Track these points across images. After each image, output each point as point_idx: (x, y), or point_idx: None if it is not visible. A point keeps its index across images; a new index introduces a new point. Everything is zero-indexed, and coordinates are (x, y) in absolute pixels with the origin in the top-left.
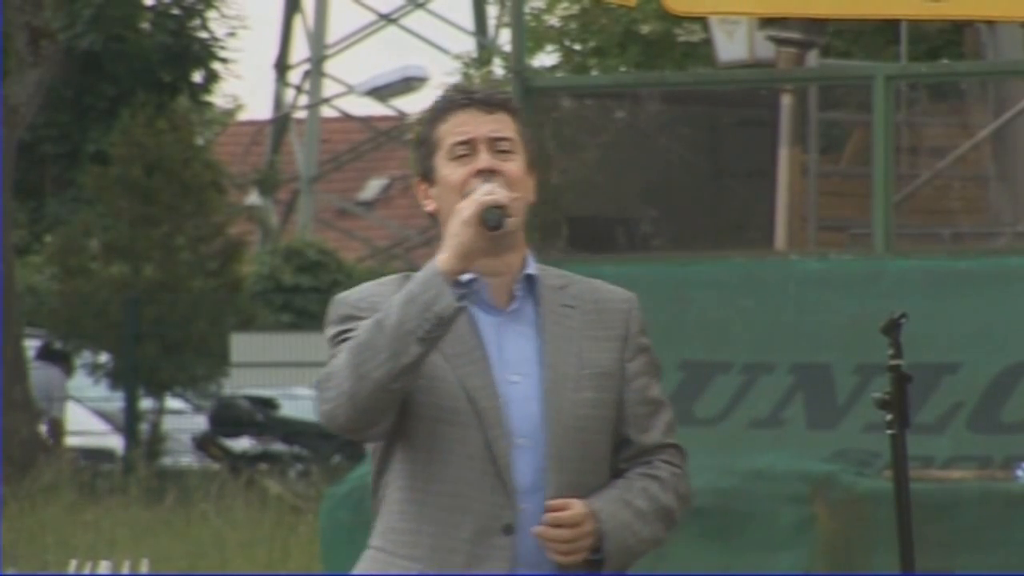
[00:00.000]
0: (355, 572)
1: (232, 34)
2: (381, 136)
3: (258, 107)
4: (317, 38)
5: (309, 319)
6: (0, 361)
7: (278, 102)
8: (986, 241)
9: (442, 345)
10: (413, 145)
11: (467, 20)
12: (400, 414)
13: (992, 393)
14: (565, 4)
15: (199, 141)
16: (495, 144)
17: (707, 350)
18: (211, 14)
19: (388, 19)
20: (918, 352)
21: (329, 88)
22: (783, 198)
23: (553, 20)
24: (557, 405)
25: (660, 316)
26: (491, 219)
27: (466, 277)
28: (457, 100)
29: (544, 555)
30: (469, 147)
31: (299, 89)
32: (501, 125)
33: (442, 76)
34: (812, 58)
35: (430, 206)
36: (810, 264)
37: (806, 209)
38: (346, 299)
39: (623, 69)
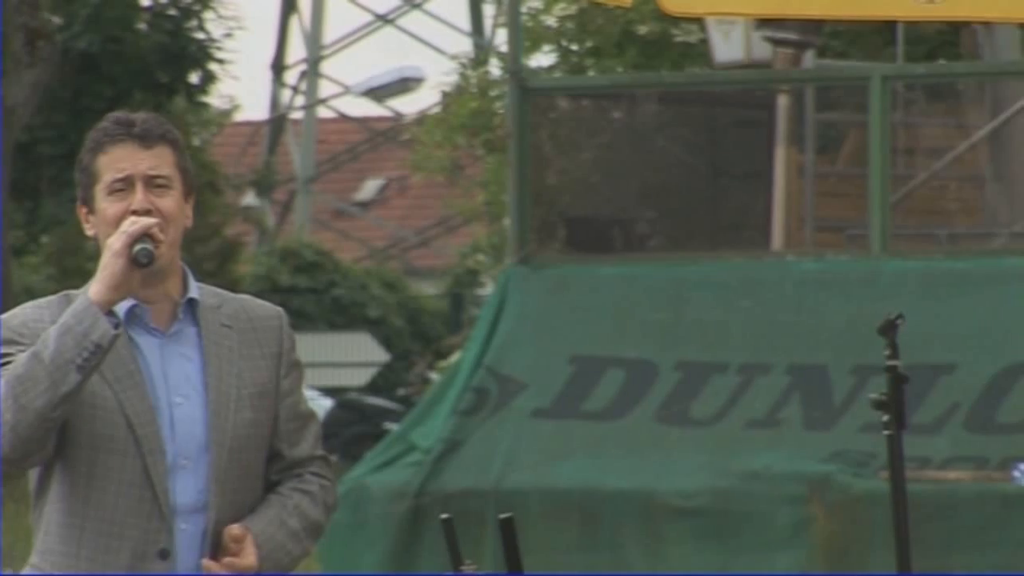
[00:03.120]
0: None
1: (229, 35)
2: (378, 137)
3: (255, 108)
4: (313, 39)
5: (306, 320)
6: None
7: (275, 103)
8: (983, 242)
9: (104, 369)
10: (77, 170)
11: (464, 21)
12: (59, 441)
13: (989, 394)
14: (562, 4)
15: (196, 142)
16: (151, 181)
17: (704, 351)
18: (208, 15)
19: (384, 20)
20: (915, 353)
21: (325, 89)
22: (780, 199)
23: (550, 20)
24: (220, 426)
25: (657, 317)
26: (141, 257)
27: (126, 304)
28: (115, 133)
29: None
30: (126, 183)
31: (296, 90)
32: (159, 161)
33: (438, 76)
34: (808, 59)
35: (90, 231)
36: (807, 265)
37: (803, 210)
38: (7, 323)
39: (620, 70)
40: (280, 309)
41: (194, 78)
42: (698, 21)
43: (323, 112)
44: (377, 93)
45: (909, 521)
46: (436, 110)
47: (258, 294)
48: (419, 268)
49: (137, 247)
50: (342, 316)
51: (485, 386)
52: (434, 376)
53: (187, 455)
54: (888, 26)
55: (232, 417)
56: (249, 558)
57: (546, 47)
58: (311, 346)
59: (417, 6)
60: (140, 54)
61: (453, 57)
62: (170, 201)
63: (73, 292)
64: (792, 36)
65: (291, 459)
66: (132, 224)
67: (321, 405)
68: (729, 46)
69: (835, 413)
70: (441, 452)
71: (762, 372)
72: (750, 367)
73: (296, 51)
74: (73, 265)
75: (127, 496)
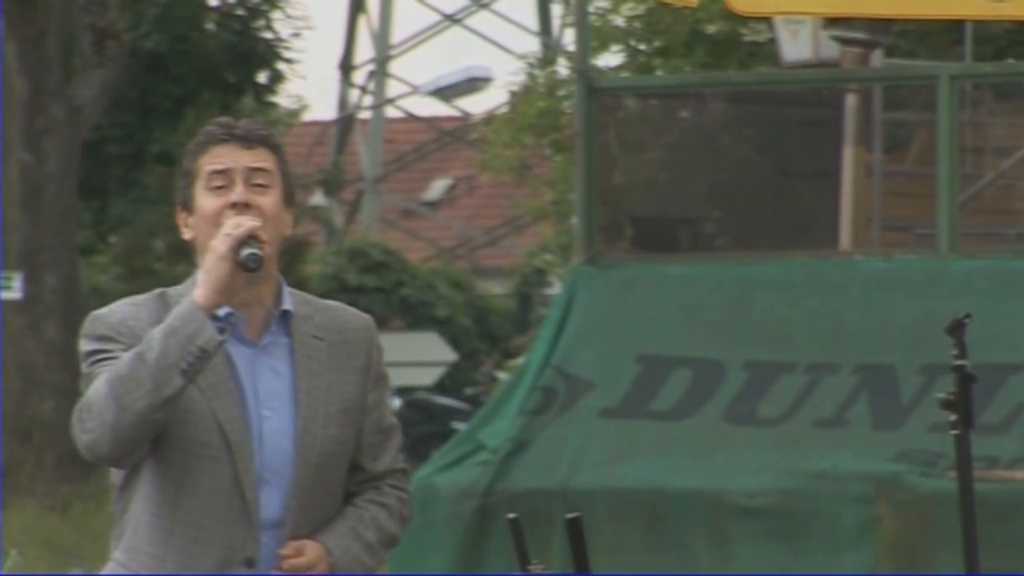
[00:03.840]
0: None
1: (297, 35)
2: (445, 136)
3: (323, 108)
4: (381, 38)
5: (374, 320)
6: None
7: (342, 103)
8: None
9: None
10: (179, 175)
11: (531, 20)
12: (152, 441)
13: None
14: (630, 4)
15: None
16: (251, 176)
17: (771, 350)
18: (276, 15)
19: (452, 19)
20: (983, 352)
21: (393, 88)
22: (847, 198)
23: (618, 20)
24: (307, 443)
25: (724, 316)
26: (250, 262)
27: (223, 311)
28: (217, 134)
29: None
30: (225, 178)
31: (363, 89)
32: (259, 158)
33: (506, 76)
34: (877, 58)
35: (188, 234)
36: (874, 264)
37: (870, 209)
38: (104, 319)
39: (688, 69)
40: (370, 319)
41: (262, 78)
42: (766, 20)
43: (391, 112)
44: (445, 93)
45: (977, 521)
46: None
47: (326, 294)
48: (487, 267)
49: (245, 252)
50: (410, 316)
51: (552, 386)
52: (502, 375)
53: (272, 469)
54: (956, 25)
55: (319, 433)
56: (310, 551)
57: (614, 47)
58: None
59: (485, 6)
60: (208, 54)
61: (521, 57)
62: (269, 200)
63: (169, 290)
64: (860, 35)
65: (371, 472)
66: (236, 227)
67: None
68: (797, 45)
69: (903, 413)
70: (508, 452)
71: (829, 372)
72: (817, 367)
73: (364, 51)
74: (141, 264)
75: (216, 503)
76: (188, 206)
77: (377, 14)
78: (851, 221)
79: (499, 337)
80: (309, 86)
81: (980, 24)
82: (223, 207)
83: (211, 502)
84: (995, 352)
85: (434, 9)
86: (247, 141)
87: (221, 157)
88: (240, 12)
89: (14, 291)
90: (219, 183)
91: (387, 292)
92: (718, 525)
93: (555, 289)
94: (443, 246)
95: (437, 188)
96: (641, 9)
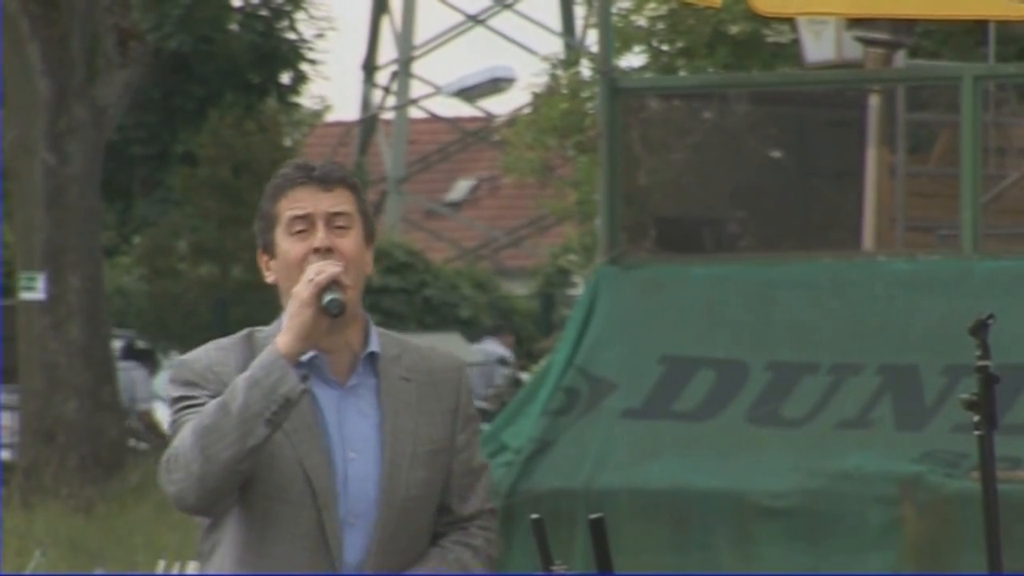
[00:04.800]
0: None
1: (320, 35)
2: (469, 137)
3: (346, 108)
4: (404, 39)
5: (397, 320)
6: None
7: (366, 103)
8: None
9: None
10: (258, 219)
11: (555, 21)
12: (239, 489)
13: None
14: (653, 5)
15: (287, 142)
16: (332, 220)
17: (795, 351)
18: (299, 15)
19: (475, 20)
20: (1006, 353)
21: (416, 89)
22: (871, 199)
23: (641, 21)
24: (392, 487)
25: (747, 317)
26: (332, 307)
27: (307, 355)
28: (295, 177)
29: None
30: (307, 222)
31: (387, 90)
32: (339, 200)
33: (529, 77)
34: (900, 59)
35: (270, 278)
36: (898, 265)
37: (894, 210)
38: (190, 364)
39: (711, 70)
40: (460, 359)
41: (285, 78)
42: (789, 21)
43: (414, 112)
44: (468, 93)
45: (1000, 522)
46: (527, 111)
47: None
48: (510, 268)
49: (327, 297)
50: (433, 316)
51: (576, 386)
52: (525, 376)
53: (357, 513)
54: (979, 26)
55: (405, 476)
56: None
57: (637, 47)
58: None
59: (508, 6)
60: (231, 54)
61: (544, 58)
62: (351, 242)
63: (256, 331)
64: (883, 36)
65: (459, 515)
66: (318, 273)
67: None
68: (820, 46)
69: (926, 413)
70: (532, 452)
71: (853, 372)
72: (841, 367)
73: (387, 51)
74: (164, 265)
75: (301, 548)
76: (269, 250)
77: (400, 15)
78: (874, 222)
79: (523, 338)
80: (332, 87)
81: (1003, 24)
82: (306, 253)
83: (295, 547)
84: (1019, 353)
85: (457, 10)
86: (325, 183)
87: (301, 201)
88: (264, 13)
89: (37, 292)
90: (300, 227)
91: (410, 293)
92: (741, 526)
93: (578, 290)
94: (466, 247)
95: (460, 189)
96: (664, 10)
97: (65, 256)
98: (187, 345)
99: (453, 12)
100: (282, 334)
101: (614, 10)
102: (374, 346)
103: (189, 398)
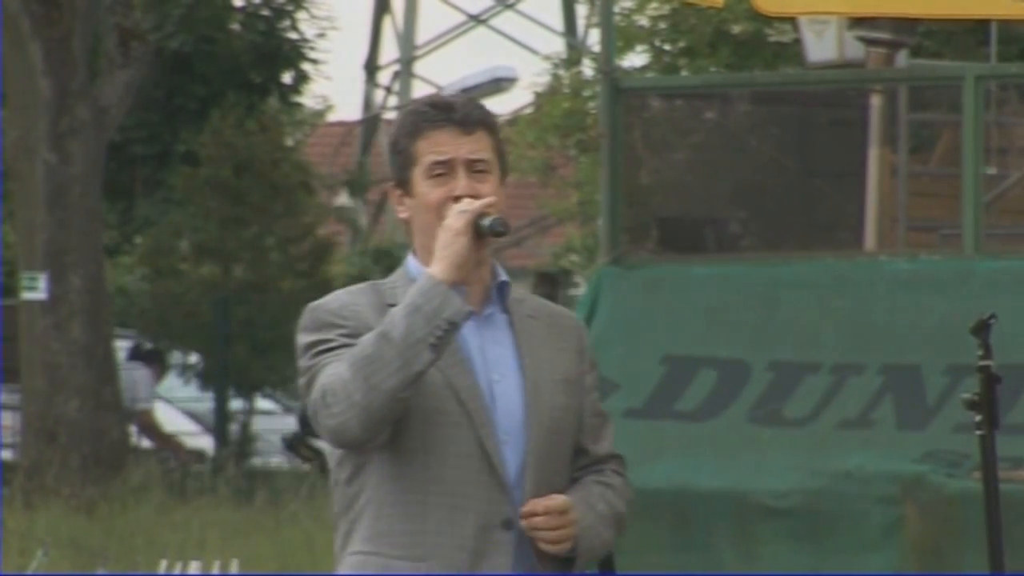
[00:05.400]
0: None
1: (322, 35)
2: None
3: (348, 108)
4: (406, 39)
5: None
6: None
7: (367, 103)
8: None
9: None
10: (392, 151)
11: (556, 21)
12: None
13: None
14: (655, 4)
15: (289, 142)
16: (472, 166)
17: (797, 351)
18: (301, 15)
19: (477, 20)
20: (1008, 353)
21: (418, 89)
22: (873, 199)
23: (643, 20)
24: (537, 405)
25: (749, 317)
26: (496, 226)
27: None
28: (436, 118)
29: (527, 549)
30: (447, 167)
31: (388, 90)
32: (479, 146)
33: (531, 77)
34: (902, 58)
35: (403, 214)
36: (900, 265)
37: (896, 210)
38: (325, 307)
39: (713, 70)
40: (576, 315)
41: (287, 78)
42: (791, 21)
43: None
44: (470, 93)
45: (1002, 521)
46: (529, 110)
47: None
48: (512, 268)
49: (488, 220)
50: None
51: None
52: None
53: (508, 431)
54: (982, 26)
55: (548, 399)
56: (559, 497)
57: (639, 47)
58: None
59: (510, 6)
60: (233, 54)
61: (546, 57)
62: (490, 187)
63: (379, 283)
64: (885, 36)
65: (593, 455)
66: (469, 203)
67: None
68: (822, 46)
69: (928, 413)
70: None
71: (855, 372)
72: (843, 367)
73: (389, 51)
74: (166, 265)
75: (466, 468)
76: (404, 187)
77: (402, 14)
78: (876, 222)
79: None
80: (334, 86)
81: (1006, 24)
82: (445, 198)
83: (460, 468)
84: (1020, 353)
85: (459, 9)
86: (466, 125)
87: (441, 145)
88: (265, 12)
89: (39, 292)
90: (440, 171)
91: None
92: (743, 525)
93: (580, 290)
94: None
95: None
96: (666, 9)
97: (67, 256)
98: (189, 345)
99: (455, 12)
100: (435, 264)
101: (616, 10)
102: (503, 276)
103: (325, 341)
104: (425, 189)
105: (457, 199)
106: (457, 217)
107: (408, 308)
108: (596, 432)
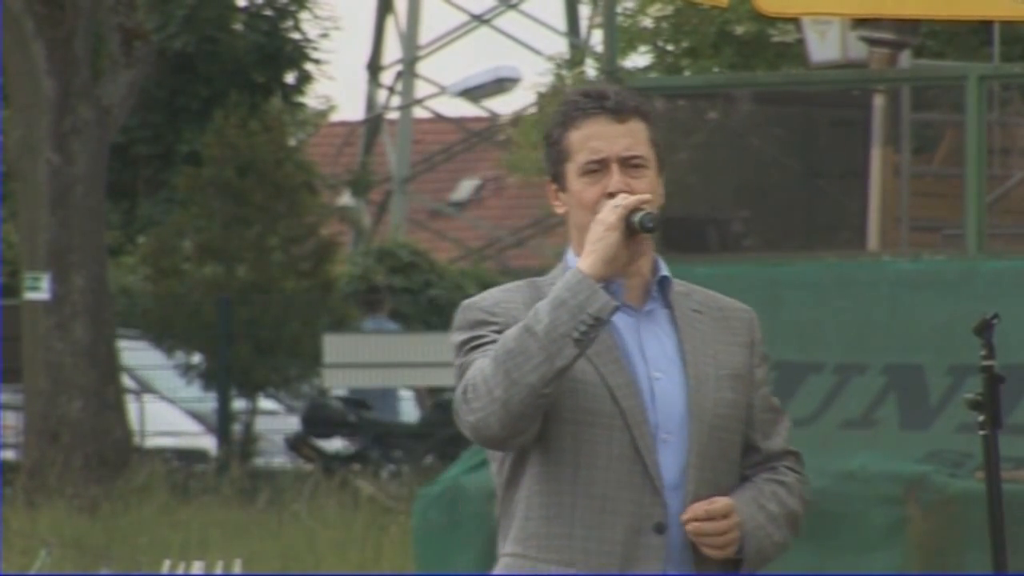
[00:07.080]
0: None
1: (325, 35)
2: (473, 137)
3: (351, 108)
4: (409, 39)
5: (402, 320)
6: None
7: (370, 103)
8: None
9: None
10: (546, 143)
11: (559, 21)
12: (542, 421)
13: None
14: (658, 5)
15: (292, 142)
16: (627, 161)
17: (799, 351)
18: (304, 15)
19: (480, 20)
20: (1011, 353)
21: (421, 89)
22: (875, 199)
23: (646, 21)
24: (700, 403)
25: None
26: (647, 221)
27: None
28: (589, 107)
29: (688, 553)
30: (601, 164)
31: (391, 90)
32: (633, 140)
33: (534, 77)
34: (905, 59)
35: (560, 208)
36: (903, 265)
37: (899, 210)
38: (478, 304)
39: (716, 70)
40: (749, 307)
41: (290, 78)
42: (794, 21)
43: (419, 112)
44: (473, 93)
45: (1005, 521)
46: (532, 111)
47: (354, 294)
48: (515, 268)
49: (639, 215)
50: (438, 316)
51: None
52: None
53: (668, 429)
54: (984, 26)
55: (712, 395)
56: (723, 500)
57: (642, 47)
58: (407, 346)
59: (513, 6)
60: (236, 54)
61: (549, 58)
62: (646, 183)
63: (538, 279)
64: (888, 36)
65: (766, 452)
66: (623, 198)
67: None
68: (825, 46)
69: (931, 413)
70: None
71: (858, 372)
72: (845, 367)
73: (392, 51)
74: (169, 265)
75: (617, 470)
76: (559, 181)
77: (405, 14)
78: (879, 222)
79: None
80: (337, 87)
81: (1008, 25)
82: (600, 196)
83: (612, 470)
84: (1023, 353)
85: (462, 9)
86: (619, 114)
87: (594, 139)
88: (268, 12)
89: (42, 292)
90: (594, 168)
91: (415, 293)
92: None
93: None
94: (471, 247)
95: (465, 189)
96: (669, 10)
97: (70, 256)
98: (192, 345)
99: (458, 12)
100: (584, 258)
101: (619, 10)
102: (664, 271)
103: (477, 337)
104: (579, 187)
105: (611, 195)
106: (610, 212)
107: (553, 302)
108: (768, 428)
